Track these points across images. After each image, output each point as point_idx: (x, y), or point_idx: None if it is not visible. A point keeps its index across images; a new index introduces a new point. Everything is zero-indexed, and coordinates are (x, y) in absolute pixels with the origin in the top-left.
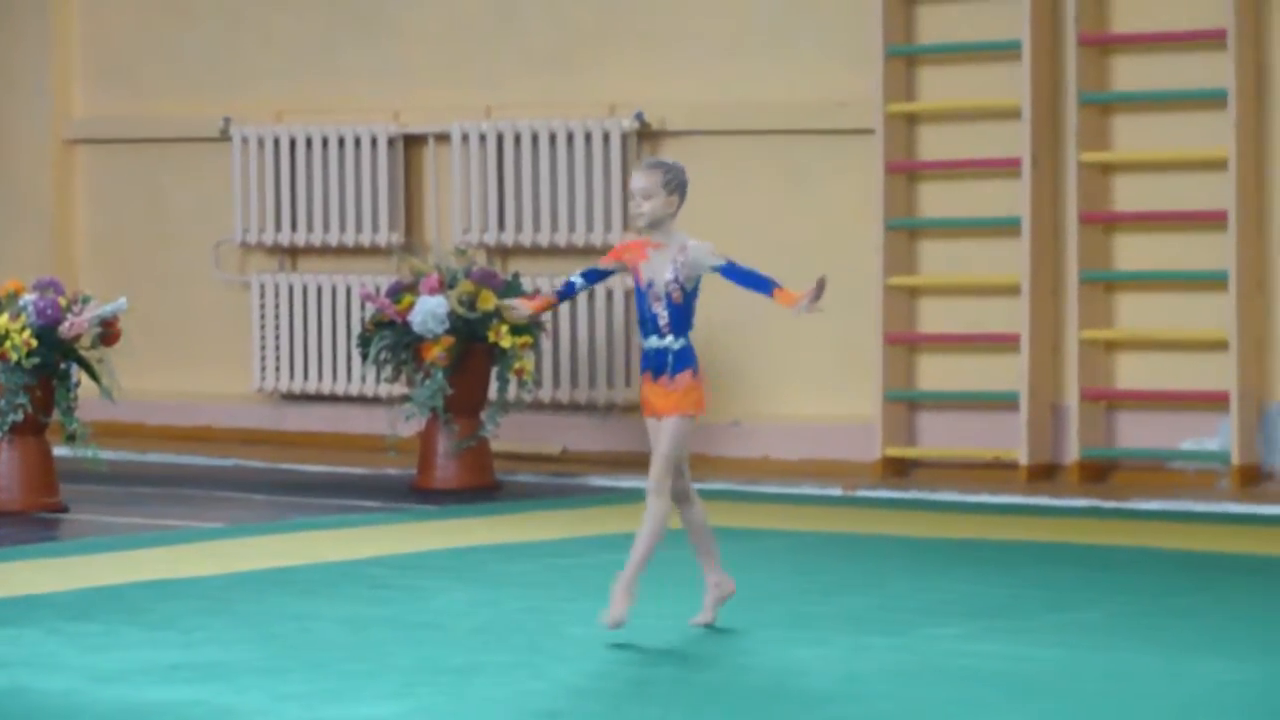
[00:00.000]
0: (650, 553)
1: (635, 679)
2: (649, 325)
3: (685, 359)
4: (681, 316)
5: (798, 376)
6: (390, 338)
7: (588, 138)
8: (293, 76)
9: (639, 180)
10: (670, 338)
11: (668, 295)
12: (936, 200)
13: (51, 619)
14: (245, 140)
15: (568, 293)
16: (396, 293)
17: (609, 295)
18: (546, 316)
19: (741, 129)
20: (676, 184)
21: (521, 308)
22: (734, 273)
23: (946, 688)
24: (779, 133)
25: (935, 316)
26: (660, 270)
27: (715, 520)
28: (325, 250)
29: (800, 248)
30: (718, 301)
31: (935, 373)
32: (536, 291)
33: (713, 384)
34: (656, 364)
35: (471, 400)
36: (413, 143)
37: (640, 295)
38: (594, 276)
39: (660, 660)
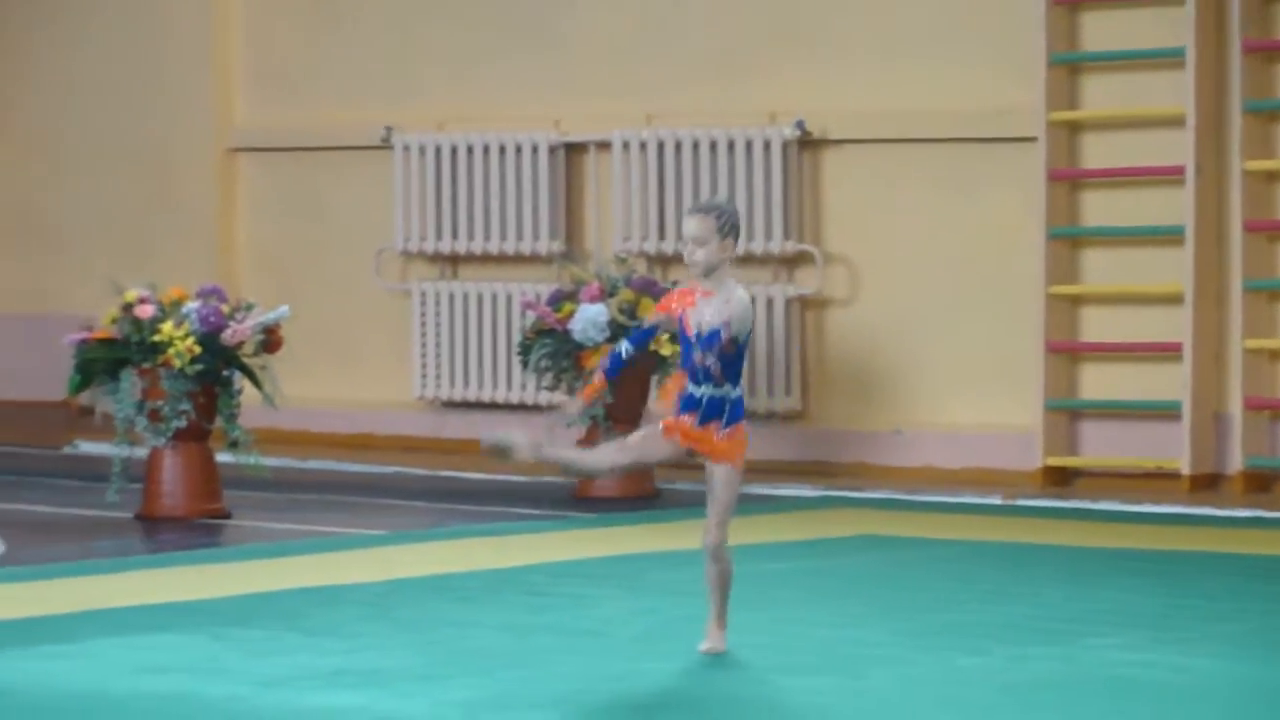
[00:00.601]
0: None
1: (796, 688)
2: (700, 374)
3: (739, 411)
4: (734, 366)
5: (959, 385)
6: (551, 345)
7: (748, 146)
8: (454, 85)
9: (692, 226)
10: (727, 386)
11: (719, 347)
12: (1099, 208)
13: (214, 625)
14: (407, 148)
15: (616, 366)
16: (557, 301)
17: (769, 302)
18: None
19: (903, 137)
20: (730, 227)
21: (571, 406)
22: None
23: (1105, 698)
24: (940, 141)
25: (1097, 325)
26: (709, 320)
27: (877, 529)
28: (486, 258)
29: (962, 256)
30: (880, 309)
31: (1097, 381)
32: None
33: (874, 392)
34: (710, 410)
35: (632, 408)
36: (574, 151)
37: (686, 343)
38: (643, 340)
39: (822, 669)
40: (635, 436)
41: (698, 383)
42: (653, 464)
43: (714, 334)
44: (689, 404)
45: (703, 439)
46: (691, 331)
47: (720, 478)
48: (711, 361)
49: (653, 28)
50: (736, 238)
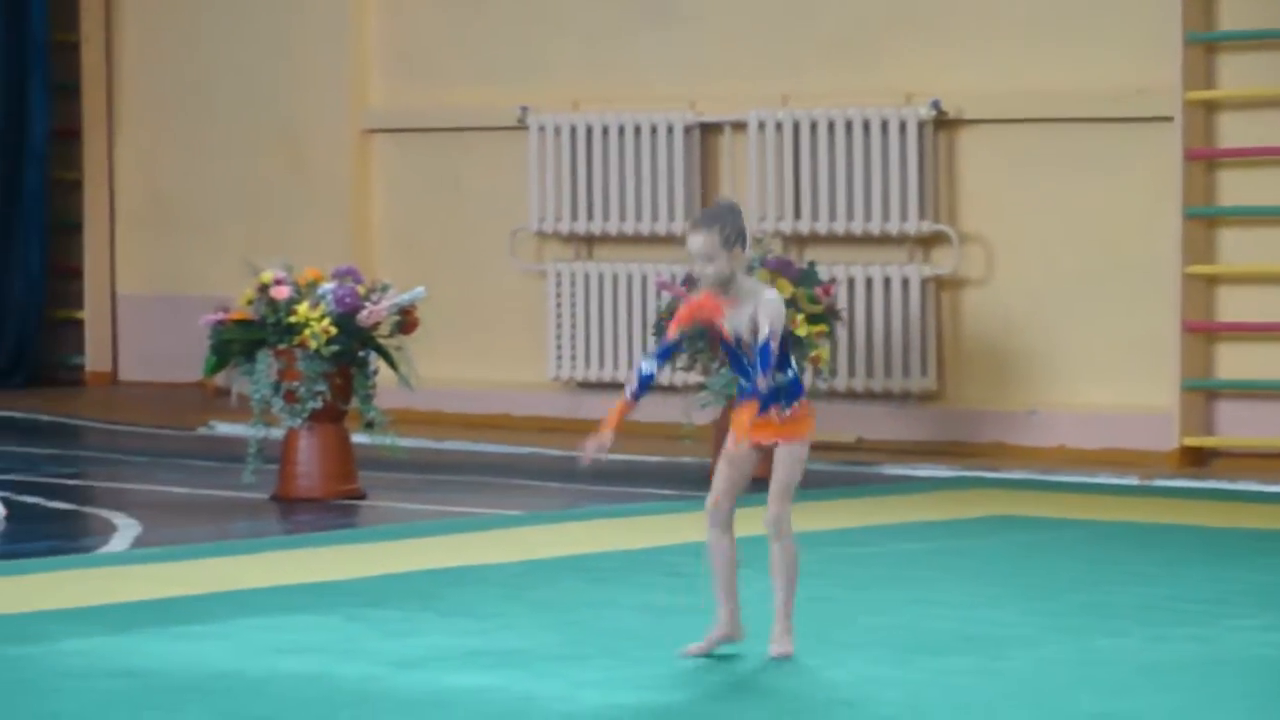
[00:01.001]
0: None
1: (931, 668)
2: (749, 374)
3: (797, 389)
4: (783, 358)
5: (1095, 365)
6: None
7: (884, 126)
8: (589, 65)
9: (696, 243)
10: (779, 375)
11: (764, 345)
12: (1235, 188)
13: (350, 605)
14: (542, 129)
15: (645, 385)
16: (692, 281)
17: (905, 283)
18: (843, 304)
19: (1038, 117)
20: (736, 235)
21: (601, 438)
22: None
23: (1245, 679)
24: (1076, 121)
25: (1234, 305)
26: (745, 325)
27: (1012, 509)
28: (621, 238)
29: (1098, 236)
30: (1015, 289)
31: (1234, 361)
32: (832, 281)
33: (1010, 372)
34: (767, 399)
35: None
36: (709, 131)
37: (730, 349)
38: (667, 355)
39: (960, 648)
40: (720, 469)
41: (749, 378)
42: (748, 478)
43: (765, 350)
44: (745, 395)
45: (765, 426)
46: (731, 339)
47: (780, 455)
48: (770, 374)
49: (788, 7)
50: (745, 244)
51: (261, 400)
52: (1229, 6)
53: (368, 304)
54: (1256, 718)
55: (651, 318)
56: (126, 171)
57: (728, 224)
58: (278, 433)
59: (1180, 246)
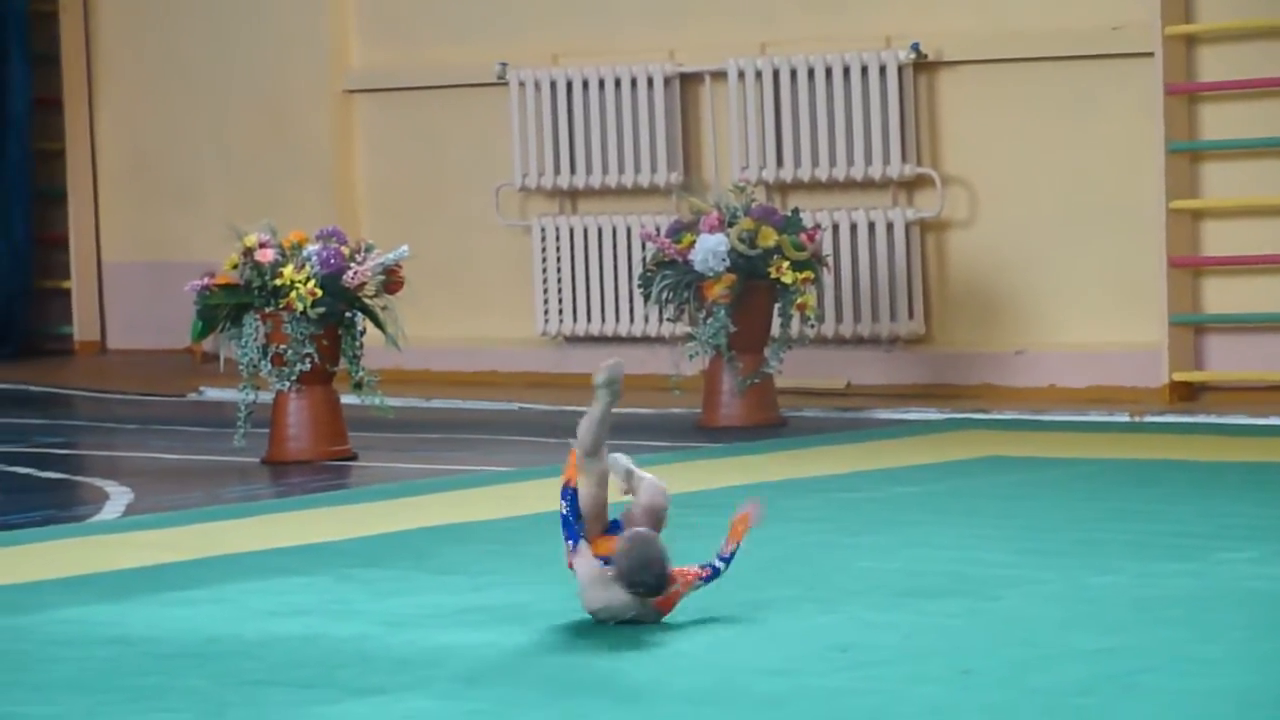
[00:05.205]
0: None
1: (926, 610)
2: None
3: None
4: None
5: (1081, 304)
6: (672, 277)
7: (864, 71)
8: (568, 19)
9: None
10: None
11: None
12: (1218, 122)
13: (342, 566)
14: (522, 84)
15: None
16: (677, 232)
17: (889, 227)
18: (828, 250)
19: (1018, 56)
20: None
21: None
22: None
23: (1239, 612)
24: (1056, 59)
25: (1220, 239)
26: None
27: (1003, 450)
28: (605, 192)
29: (1081, 174)
30: (1000, 230)
31: (1221, 296)
32: (816, 227)
33: (996, 313)
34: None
35: (754, 337)
36: (689, 81)
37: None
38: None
39: (952, 591)
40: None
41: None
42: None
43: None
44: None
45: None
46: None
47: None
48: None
49: None
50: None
51: (249, 364)
52: None
53: (353, 265)
54: (1251, 650)
55: (637, 269)
56: (108, 139)
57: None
58: (266, 396)
59: (1164, 182)
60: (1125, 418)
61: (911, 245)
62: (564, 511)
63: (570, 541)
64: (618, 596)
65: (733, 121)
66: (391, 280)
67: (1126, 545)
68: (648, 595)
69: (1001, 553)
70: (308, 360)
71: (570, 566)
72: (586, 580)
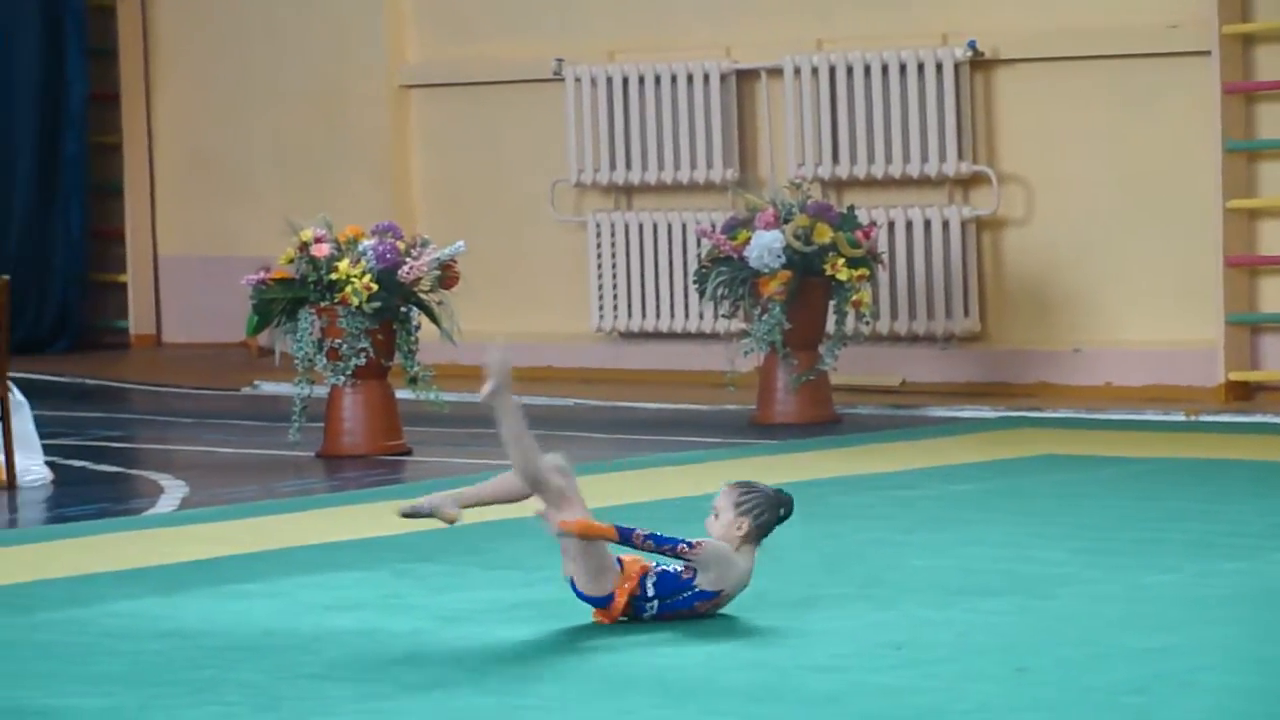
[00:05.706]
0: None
1: (980, 608)
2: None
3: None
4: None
5: (1138, 302)
6: (727, 273)
7: (920, 68)
8: (624, 15)
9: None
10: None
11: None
12: (1275, 121)
13: (398, 561)
14: (578, 80)
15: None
16: (732, 228)
17: (945, 224)
18: (883, 247)
19: (1075, 54)
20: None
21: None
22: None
23: None
24: (1113, 57)
25: (1276, 238)
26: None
27: (1058, 448)
28: (660, 188)
29: (1137, 173)
30: (1056, 228)
31: (1277, 295)
32: (872, 224)
33: (1053, 312)
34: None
35: (809, 334)
36: (745, 78)
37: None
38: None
39: (1004, 589)
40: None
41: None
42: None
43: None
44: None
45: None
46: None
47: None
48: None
49: None
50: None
51: (305, 358)
52: None
53: (408, 260)
54: None
55: (692, 266)
56: (165, 134)
57: (756, 507)
58: (322, 390)
59: (1220, 181)
60: (1181, 417)
61: (967, 243)
62: (652, 545)
63: (672, 545)
64: (745, 562)
65: (788, 118)
66: (447, 275)
67: (1181, 544)
68: (787, 517)
69: (1056, 551)
70: (363, 355)
71: (690, 552)
72: (725, 560)
